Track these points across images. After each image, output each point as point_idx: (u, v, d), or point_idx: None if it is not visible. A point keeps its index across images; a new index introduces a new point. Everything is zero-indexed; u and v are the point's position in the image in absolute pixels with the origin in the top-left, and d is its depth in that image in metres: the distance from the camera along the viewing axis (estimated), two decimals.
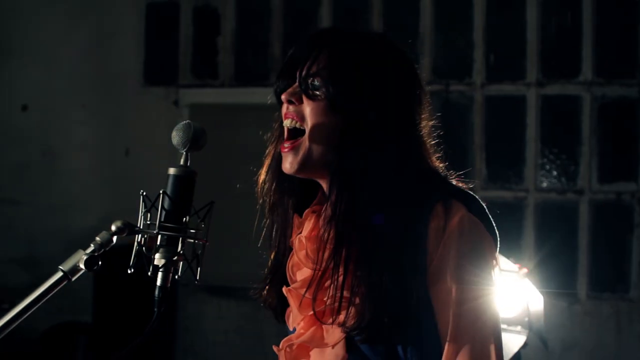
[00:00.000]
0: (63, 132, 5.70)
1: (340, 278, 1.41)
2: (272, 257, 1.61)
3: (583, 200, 4.87)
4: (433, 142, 1.54)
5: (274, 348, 1.56)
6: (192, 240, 1.41)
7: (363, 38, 1.50)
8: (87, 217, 5.32)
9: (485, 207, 1.48)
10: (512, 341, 3.12)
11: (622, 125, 4.91)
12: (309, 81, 1.47)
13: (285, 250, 1.58)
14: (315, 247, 1.47)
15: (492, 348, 1.40)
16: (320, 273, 1.44)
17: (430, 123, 1.54)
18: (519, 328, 3.12)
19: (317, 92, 1.47)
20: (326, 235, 1.44)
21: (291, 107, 1.50)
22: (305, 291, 1.46)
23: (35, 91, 5.74)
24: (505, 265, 3.12)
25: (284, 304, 1.58)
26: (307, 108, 1.48)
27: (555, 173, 4.94)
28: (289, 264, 1.55)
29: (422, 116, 1.52)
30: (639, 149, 4.84)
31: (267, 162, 1.59)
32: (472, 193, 1.49)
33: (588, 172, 4.85)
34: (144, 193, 1.43)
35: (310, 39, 1.51)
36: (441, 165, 1.55)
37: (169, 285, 1.41)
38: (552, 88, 4.94)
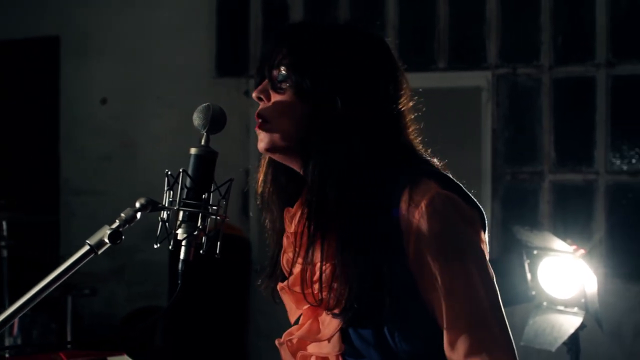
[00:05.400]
0: (140, 124, 5.90)
1: (322, 268, 1.44)
2: (270, 252, 1.64)
3: None
4: (412, 121, 1.54)
5: (276, 342, 1.60)
6: (212, 216, 1.48)
7: (325, 27, 1.53)
8: None
9: (461, 185, 1.47)
10: (569, 322, 3.11)
11: None
12: (274, 75, 1.50)
13: (279, 247, 1.61)
14: (298, 242, 1.49)
15: (496, 330, 1.39)
16: (304, 267, 1.47)
17: (410, 104, 1.54)
18: (575, 309, 3.11)
19: (283, 85, 1.49)
20: (305, 228, 1.47)
21: (261, 105, 1.53)
22: (294, 286, 1.50)
23: (114, 85, 5.95)
24: (561, 246, 3.11)
25: None
26: (275, 103, 1.51)
27: (626, 155, 4.84)
28: (283, 259, 1.59)
29: (398, 95, 1.51)
30: None
31: (264, 158, 1.62)
32: (444, 172, 1.49)
33: None
34: (169, 172, 1.52)
35: (274, 35, 1.54)
36: (420, 145, 1.55)
37: (191, 259, 1.48)
38: (623, 68, 4.83)
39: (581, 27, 4.93)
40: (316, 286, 1.46)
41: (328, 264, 1.44)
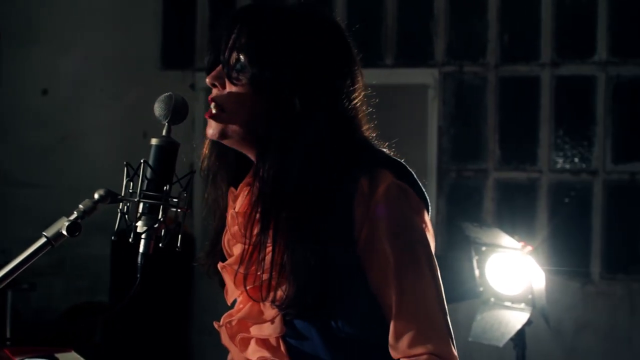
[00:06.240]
0: (82, 116, 5.77)
1: (269, 255, 1.42)
2: (212, 229, 1.61)
3: (597, 181, 4.85)
4: (366, 112, 1.53)
5: (215, 324, 1.57)
6: (173, 209, 1.45)
7: (284, 14, 1.47)
8: None
9: (413, 173, 1.48)
10: (516, 318, 3.15)
11: (636, 106, 4.88)
12: (231, 62, 1.46)
13: (222, 225, 1.58)
14: (245, 223, 1.46)
15: (441, 320, 1.40)
16: (250, 249, 1.44)
17: (363, 93, 1.52)
18: (522, 305, 3.14)
19: (240, 76, 1.45)
20: (255, 211, 1.44)
21: (215, 91, 1.49)
22: (238, 267, 1.47)
23: (55, 76, 5.82)
24: (509, 243, 3.14)
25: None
26: (230, 94, 1.47)
27: (569, 154, 4.92)
28: (225, 238, 1.56)
29: (354, 87, 1.49)
30: None
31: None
32: (399, 160, 1.49)
33: (602, 153, 4.83)
34: (127, 163, 1.48)
35: (231, 18, 1.48)
36: (373, 135, 1.54)
37: (151, 252, 1.45)
38: (567, 68, 4.91)
39: (527, 27, 4.99)
40: (260, 267, 1.44)
41: (276, 248, 1.42)
